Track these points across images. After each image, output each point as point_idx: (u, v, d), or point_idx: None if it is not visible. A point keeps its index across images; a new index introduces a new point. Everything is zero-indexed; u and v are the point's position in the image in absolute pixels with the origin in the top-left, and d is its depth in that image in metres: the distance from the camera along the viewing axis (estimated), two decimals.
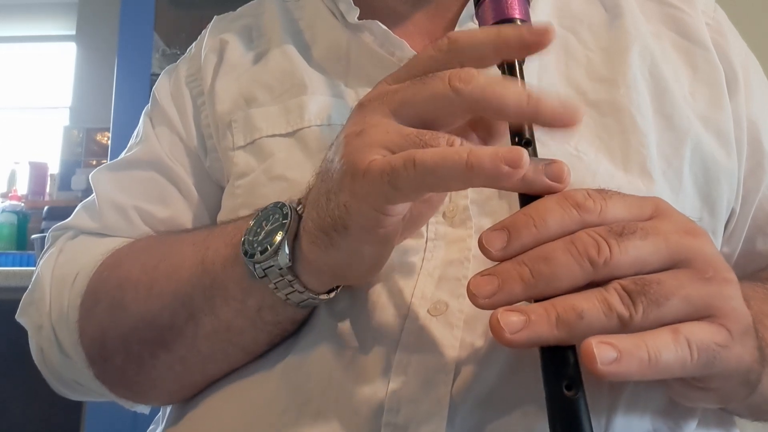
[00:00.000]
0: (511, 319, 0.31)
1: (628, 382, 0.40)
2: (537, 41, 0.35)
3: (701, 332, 0.32)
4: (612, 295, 0.31)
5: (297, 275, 0.41)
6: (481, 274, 0.33)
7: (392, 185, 0.32)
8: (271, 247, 0.40)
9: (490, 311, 0.42)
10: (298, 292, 0.41)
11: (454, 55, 0.35)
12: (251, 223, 0.43)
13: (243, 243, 0.42)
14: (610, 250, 0.32)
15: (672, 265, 0.33)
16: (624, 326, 0.31)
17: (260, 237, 0.41)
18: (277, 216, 0.41)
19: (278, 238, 0.40)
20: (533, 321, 0.31)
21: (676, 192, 0.49)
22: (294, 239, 0.40)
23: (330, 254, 0.38)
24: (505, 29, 0.35)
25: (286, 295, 0.42)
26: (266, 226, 0.41)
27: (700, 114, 0.52)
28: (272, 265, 0.40)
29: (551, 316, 0.31)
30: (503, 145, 0.32)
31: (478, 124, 0.38)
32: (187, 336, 0.46)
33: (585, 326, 0.31)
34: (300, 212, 0.41)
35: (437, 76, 0.34)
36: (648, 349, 0.30)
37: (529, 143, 0.35)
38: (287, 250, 0.40)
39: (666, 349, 0.31)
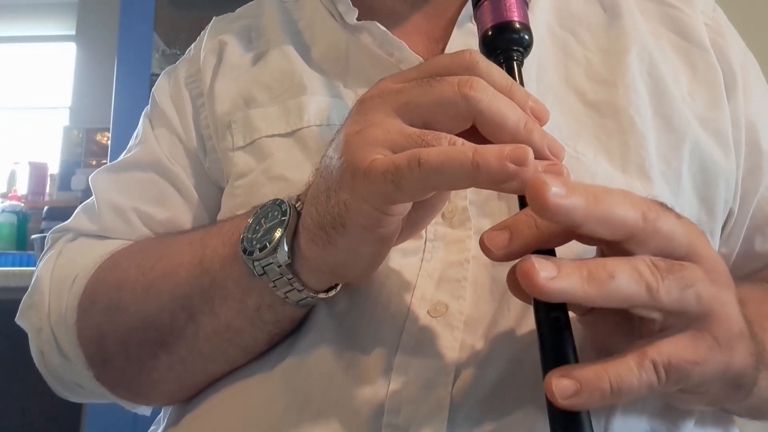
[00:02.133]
0: (546, 265, 0.30)
1: None
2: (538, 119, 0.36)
3: (672, 351, 0.31)
4: (642, 264, 0.31)
5: (296, 273, 0.41)
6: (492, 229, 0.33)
7: (396, 185, 0.32)
8: (270, 244, 0.40)
9: (491, 313, 0.43)
10: (297, 290, 0.41)
11: (469, 73, 0.35)
12: (250, 220, 0.43)
13: (242, 240, 0.42)
14: (656, 215, 0.32)
15: (686, 258, 0.33)
16: (650, 297, 0.30)
17: (259, 234, 0.41)
18: (275, 213, 0.41)
19: (277, 234, 0.40)
20: (565, 273, 0.30)
21: (674, 193, 0.49)
22: (293, 236, 0.40)
23: (328, 252, 0.38)
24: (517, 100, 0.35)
25: (285, 293, 0.41)
26: (265, 223, 0.41)
27: (699, 115, 0.52)
28: (271, 263, 0.40)
29: (583, 271, 0.30)
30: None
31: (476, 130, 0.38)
32: (187, 336, 0.46)
33: (615, 288, 0.30)
34: (299, 209, 0.41)
35: (446, 80, 0.35)
36: (610, 380, 0.30)
37: None
38: (286, 247, 0.40)
39: (628, 376, 0.30)
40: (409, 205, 0.36)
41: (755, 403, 0.40)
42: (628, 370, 0.30)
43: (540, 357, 0.32)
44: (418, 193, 0.33)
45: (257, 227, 0.42)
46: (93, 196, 0.61)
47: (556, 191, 0.29)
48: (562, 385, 0.29)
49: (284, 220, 0.40)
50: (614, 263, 0.31)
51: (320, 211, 0.37)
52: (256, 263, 0.41)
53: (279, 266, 0.40)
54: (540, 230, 0.32)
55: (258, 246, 0.41)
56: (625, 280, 0.30)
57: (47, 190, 2.58)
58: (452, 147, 0.32)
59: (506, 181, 0.31)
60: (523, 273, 0.30)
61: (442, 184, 0.32)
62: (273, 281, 0.41)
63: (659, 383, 0.31)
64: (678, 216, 0.33)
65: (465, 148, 0.32)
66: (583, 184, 0.31)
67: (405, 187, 0.32)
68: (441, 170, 0.31)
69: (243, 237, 0.42)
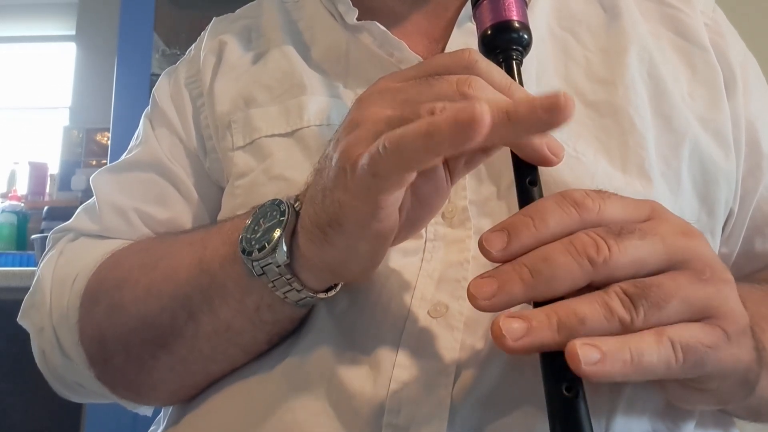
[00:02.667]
0: (513, 326, 0.31)
1: (627, 384, 0.40)
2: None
3: (688, 333, 0.32)
4: (613, 298, 0.31)
5: (295, 273, 0.41)
6: (481, 276, 0.33)
7: (374, 174, 0.32)
8: (269, 244, 0.40)
9: (491, 313, 0.43)
10: (296, 290, 0.41)
11: (469, 72, 0.35)
12: (248, 221, 0.43)
13: (241, 241, 0.42)
14: (609, 250, 0.32)
15: (669, 267, 0.33)
16: (625, 330, 0.31)
17: (258, 234, 0.41)
18: (274, 213, 0.41)
19: (276, 234, 0.40)
20: (535, 327, 0.31)
21: (674, 193, 0.49)
22: (292, 236, 0.40)
23: (325, 251, 0.38)
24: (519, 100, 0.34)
25: (284, 293, 0.41)
26: (264, 223, 0.41)
27: (699, 115, 0.52)
28: (270, 263, 0.40)
29: (552, 322, 0.31)
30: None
31: None
32: (186, 336, 0.46)
33: (587, 331, 0.31)
34: (297, 209, 0.41)
35: (445, 79, 0.34)
36: (630, 351, 0.30)
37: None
38: (285, 247, 0.40)
39: (648, 350, 0.31)
40: (401, 196, 0.35)
41: (755, 403, 0.40)
42: (648, 344, 0.31)
43: (540, 359, 0.32)
44: (394, 176, 0.32)
45: (256, 227, 0.42)
46: (94, 197, 0.61)
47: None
48: (588, 351, 0.30)
49: (283, 220, 0.40)
50: (584, 304, 0.31)
51: (317, 210, 0.37)
52: (255, 263, 0.41)
53: (278, 266, 0.40)
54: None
55: (257, 246, 0.40)
56: (597, 321, 0.31)
57: (47, 190, 2.58)
58: (414, 122, 0.31)
59: (467, 140, 0.29)
60: (494, 336, 0.31)
61: (410, 159, 0.31)
62: (272, 281, 0.41)
63: (676, 363, 0.31)
64: (642, 232, 0.33)
65: (424, 119, 0.31)
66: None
67: (380, 173, 0.31)
68: (403, 146, 0.30)
69: (242, 237, 0.42)
